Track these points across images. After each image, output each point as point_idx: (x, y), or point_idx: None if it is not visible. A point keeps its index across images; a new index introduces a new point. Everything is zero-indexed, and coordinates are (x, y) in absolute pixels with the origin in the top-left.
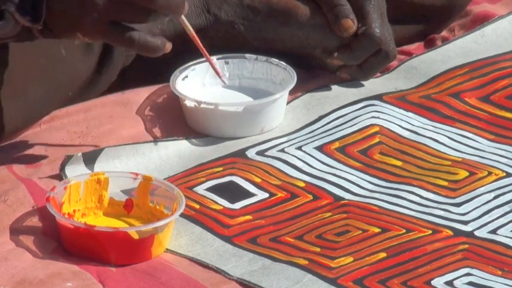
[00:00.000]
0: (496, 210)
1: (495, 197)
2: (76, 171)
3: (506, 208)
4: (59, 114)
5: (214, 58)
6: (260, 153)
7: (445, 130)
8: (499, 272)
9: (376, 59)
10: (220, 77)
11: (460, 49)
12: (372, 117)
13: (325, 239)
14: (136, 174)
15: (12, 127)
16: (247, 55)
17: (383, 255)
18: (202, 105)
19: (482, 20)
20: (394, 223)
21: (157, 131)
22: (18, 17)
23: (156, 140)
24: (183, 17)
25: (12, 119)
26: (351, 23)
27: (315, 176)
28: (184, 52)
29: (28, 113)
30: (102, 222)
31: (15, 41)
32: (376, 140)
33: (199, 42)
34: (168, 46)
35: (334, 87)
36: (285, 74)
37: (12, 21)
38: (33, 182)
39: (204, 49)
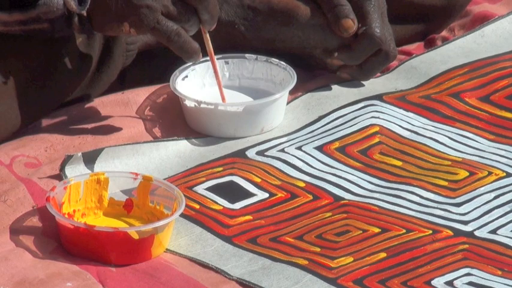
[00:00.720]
0: (496, 210)
1: (495, 197)
2: (76, 171)
3: (506, 208)
4: (59, 114)
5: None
6: (260, 153)
7: (445, 130)
8: (499, 272)
9: (376, 59)
10: (223, 99)
11: (460, 49)
12: (372, 117)
13: (325, 239)
14: (136, 174)
15: (12, 127)
16: (247, 55)
17: (383, 255)
18: (202, 105)
19: (482, 20)
20: (394, 223)
21: (157, 131)
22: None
23: (156, 140)
24: (207, 33)
25: (13, 119)
26: (351, 23)
27: (315, 176)
28: None
29: (28, 113)
30: (102, 222)
31: (38, 32)
32: (376, 140)
33: (215, 61)
34: (201, 55)
35: (334, 87)
36: (285, 74)
37: (45, 7)
38: (33, 182)
39: (218, 72)
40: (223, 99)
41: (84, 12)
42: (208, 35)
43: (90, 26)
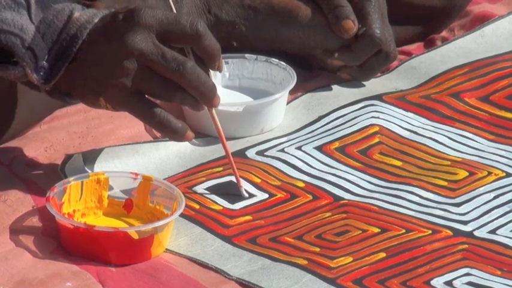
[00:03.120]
0: (495, 210)
1: (495, 197)
2: (76, 171)
3: (506, 208)
4: (59, 114)
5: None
6: (260, 153)
7: (445, 130)
8: (499, 272)
9: (376, 59)
10: (239, 185)
11: (459, 49)
12: (372, 117)
13: (325, 239)
14: (136, 174)
15: (12, 128)
16: (247, 55)
17: (382, 255)
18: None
19: (482, 20)
20: (393, 223)
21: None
22: (29, 72)
23: (156, 140)
24: (213, 110)
25: (13, 120)
26: (351, 24)
27: (315, 176)
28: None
29: (28, 114)
30: (102, 222)
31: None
32: (376, 140)
33: (225, 141)
34: (190, 134)
35: (334, 87)
36: (285, 74)
37: (22, 71)
38: (33, 182)
39: (229, 151)
40: (239, 182)
41: (47, 87)
42: (214, 111)
43: (61, 94)
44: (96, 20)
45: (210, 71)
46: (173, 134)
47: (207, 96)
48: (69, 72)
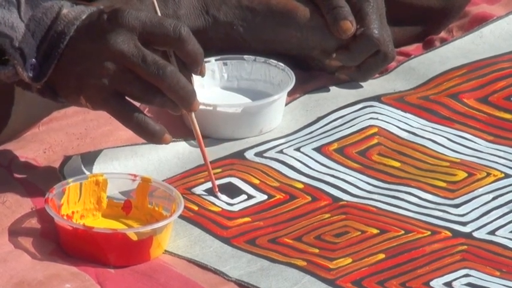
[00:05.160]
0: (494, 211)
1: (494, 198)
2: (75, 173)
3: (505, 209)
4: (57, 116)
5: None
6: (258, 154)
7: (444, 131)
8: (498, 273)
9: (374, 60)
10: (215, 189)
11: (458, 50)
12: (371, 118)
13: (324, 240)
14: (135, 176)
15: (11, 129)
16: (245, 56)
17: (382, 256)
18: (201, 107)
19: (481, 21)
20: (392, 224)
21: None
22: (20, 70)
23: None
24: (192, 114)
25: (11, 121)
26: (349, 25)
27: (314, 177)
28: None
29: (27, 115)
30: (101, 224)
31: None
32: (375, 141)
33: (203, 146)
34: (167, 138)
35: (333, 89)
36: (283, 75)
37: (12, 70)
38: (32, 184)
39: (207, 158)
40: (214, 187)
41: (38, 85)
42: (193, 116)
43: (53, 93)
44: (83, 17)
45: (193, 76)
46: (151, 137)
47: (186, 101)
48: (58, 70)
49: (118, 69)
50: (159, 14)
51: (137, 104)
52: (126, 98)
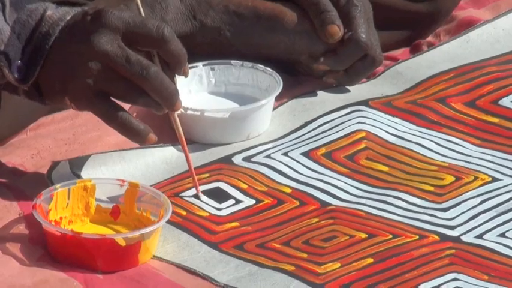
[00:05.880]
0: (482, 215)
1: (481, 202)
2: (63, 178)
3: (492, 213)
4: (45, 121)
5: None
6: (246, 159)
7: (431, 135)
8: (486, 277)
9: (362, 64)
10: (197, 189)
11: (445, 54)
12: (358, 122)
13: (312, 244)
14: (123, 181)
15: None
16: (233, 61)
17: (370, 260)
18: (189, 112)
19: (468, 25)
20: (380, 228)
21: None
22: (6, 72)
23: (142, 146)
24: (175, 114)
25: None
26: (336, 29)
27: (302, 181)
28: None
29: (14, 121)
30: (89, 229)
31: None
32: (363, 145)
33: (186, 147)
34: (152, 137)
35: (320, 93)
36: (271, 80)
37: None
38: (20, 189)
39: (189, 157)
40: (197, 187)
41: (25, 87)
42: (176, 116)
43: (40, 95)
44: (68, 18)
45: (176, 76)
46: (135, 136)
47: (169, 101)
48: (44, 71)
49: (102, 69)
50: (143, 14)
51: (125, 106)
52: (111, 98)
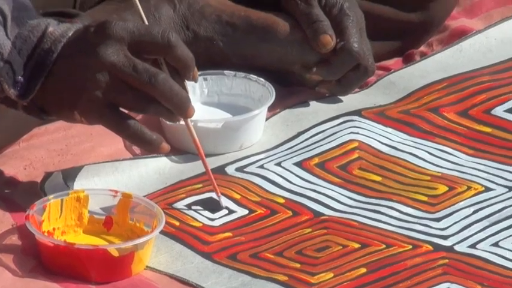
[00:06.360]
0: (475, 225)
1: (474, 212)
2: (55, 189)
3: (485, 223)
4: (38, 132)
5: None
6: (239, 169)
7: (425, 145)
8: (479, 287)
9: (354, 74)
10: (217, 194)
11: (438, 64)
12: (351, 132)
13: (305, 254)
14: (116, 192)
15: None
16: (225, 72)
17: (363, 270)
18: (182, 122)
19: (460, 34)
20: (374, 238)
21: (136, 148)
22: (6, 87)
23: (135, 157)
24: (189, 121)
25: None
26: (329, 39)
27: (295, 192)
28: None
29: (7, 132)
30: (82, 240)
31: None
32: (356, 155)
33: (203, 154)
34: (165, 146)
35: (313, 103)
36: (263, 90)
37: None
38: (13, 200)
39: (206, 162)
40: (216, 191)
41: (24, 102)
42: (189, 122)
43: (39, 110)
44: (69, 34)
45: (187, 83)
46: (148, 146)
47: (181, 107)
48: (44, 87)
49: (110, 81)
50: (146, 22)
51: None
52: (121, 109)
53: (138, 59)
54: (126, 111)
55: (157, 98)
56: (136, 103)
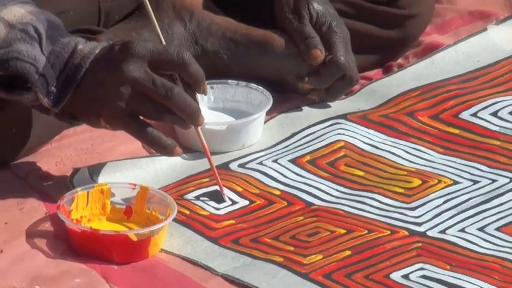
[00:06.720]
0: (445, 213)
1: (444, 202)
2: (83, 183)
3: (453, 211)
4: (67, 133)
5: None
6: (241, 165)
7: (401, 144)
8: (448, 267)
9: (341, 83)
10: (222, 192)
11: (413, 74)
12: (338, 133)
13: (298, 239)
14: (135, 185)
15: (28, 146)
16: (229, 81)
17: (348, 253)
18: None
19: (432, 49)
20: (357, 225)
21: None
22: (41, 96)
23: (151, 155)
24: (199, 128)
25: (29, 139)
26: (319, 53)
27: (289, 185)
28: None
29: (41, 134)
30: (106, 227)
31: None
32: (342, 153)
33: (211, 158)
34: (178, 150)
35: (305, 108)
36: (262, 97)
37: (34, 96)
38: (46, 192)
39: (212, 161)
40: (220, 187)
41: (56, 109)
42: (199, 129)
43: (68, 116)
44: (96, 51)
45: (197, 94)
46: (163, 150)
47: (192, 117)
48: (74, 97)
49: (132, 93)
50: (164, 43)
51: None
52: (141, 117)
53: (156, 74)
54: (145, 120)
55: (173, 109)
56: (154, 113)
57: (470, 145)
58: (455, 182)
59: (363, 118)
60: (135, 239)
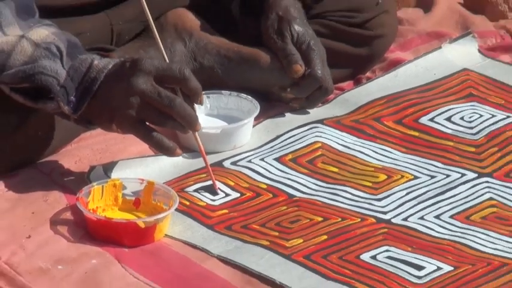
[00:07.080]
0: (407, 204)
1: (406, 194)
2: (98, 178)
3: (414, 202)
4: (84, 136)
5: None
6: (233, 163)
7: (370, 145)
8: (410, 249)
9: (318, 93)
10: (214, 186)
11: (380, 85)
12: (316, 136)
13: (282, 225)
14: (143, 180)
15: (51, 147)
16: (223, 91)
17: (325, 237)
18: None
19: (396, 64)
20: (332, 214)
21: None
22: (62, 105)
23: (157, 154)
24: (196, 133)
25: (53, 141)
26: (299, 68)
27: (274, 179)
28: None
29: (62, 136)
30: (118, 216)
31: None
32: (319, 153)
33: (206, 158)
34: (178, 152)
35: (288, 115)
36: (251, 105)
37: (56, 104)
38: (67, 187)
39: (208, 163)
40: (214, 184)
41: (75, 116)
42: (196, 134)
43: (86, 122)
44: (110, 67)
45: (195, 104)
46: (166, 151)
47: (191, 124)
48: (90, 105)
49: (140, 103)
50: (167, 61)
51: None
52: (147, 123)
53: (161, 87)
54: (151, 125)
55: (174, 117)
56: (158, 120)
57: (428, 145)
58: (416, 177)
59: (337, 123)
60: (143, 226)
